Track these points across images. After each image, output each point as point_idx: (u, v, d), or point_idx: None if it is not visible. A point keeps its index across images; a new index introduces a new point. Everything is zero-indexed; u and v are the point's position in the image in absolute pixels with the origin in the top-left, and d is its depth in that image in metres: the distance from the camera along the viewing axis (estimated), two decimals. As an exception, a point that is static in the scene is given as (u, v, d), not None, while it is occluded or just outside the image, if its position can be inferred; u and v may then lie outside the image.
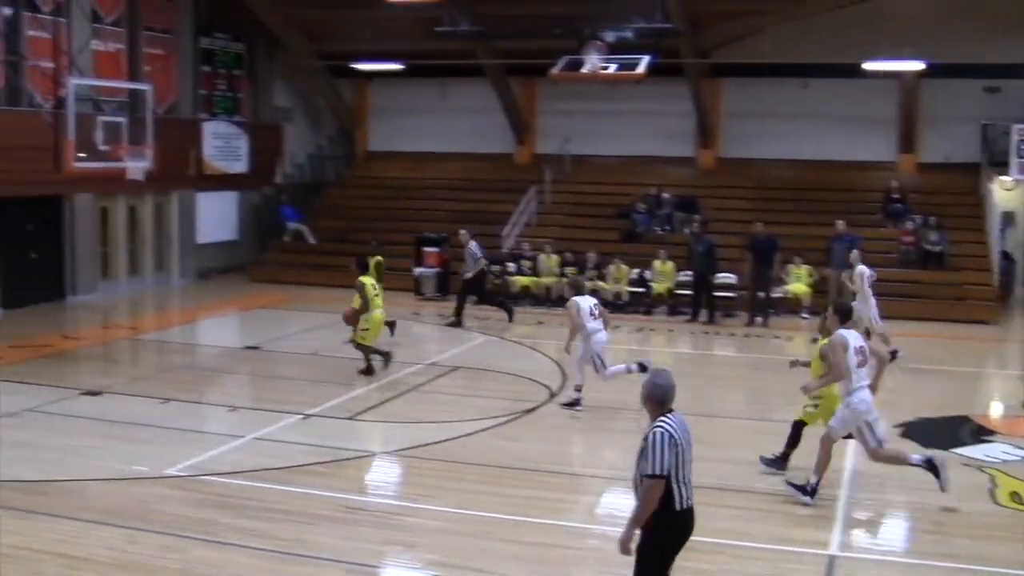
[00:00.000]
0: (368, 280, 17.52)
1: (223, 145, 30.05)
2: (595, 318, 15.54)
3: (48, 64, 22.85)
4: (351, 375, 17.16)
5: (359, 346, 17.49)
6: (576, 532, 10.68)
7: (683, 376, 18.14)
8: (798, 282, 24.58)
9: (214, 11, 30.13)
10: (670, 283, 24.82)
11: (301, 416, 14.97)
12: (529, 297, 26.00)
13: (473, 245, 23.40)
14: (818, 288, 24.47)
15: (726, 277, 24.98)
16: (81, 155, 20.55)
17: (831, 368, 11.65)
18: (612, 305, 24.71)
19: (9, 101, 23.41)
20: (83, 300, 25.20)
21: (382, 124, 34.68)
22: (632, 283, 25.24)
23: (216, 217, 30.40)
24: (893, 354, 17.21)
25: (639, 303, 25.08)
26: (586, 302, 15.73)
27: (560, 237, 27.71)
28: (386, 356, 17.66)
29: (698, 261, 23.92)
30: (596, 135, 31.56)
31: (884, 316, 19.84)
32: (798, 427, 12.50)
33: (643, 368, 15.25)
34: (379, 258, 20.97)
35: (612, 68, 24.76)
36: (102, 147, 21.07)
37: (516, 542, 10.34)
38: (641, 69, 24.54)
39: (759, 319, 23.42)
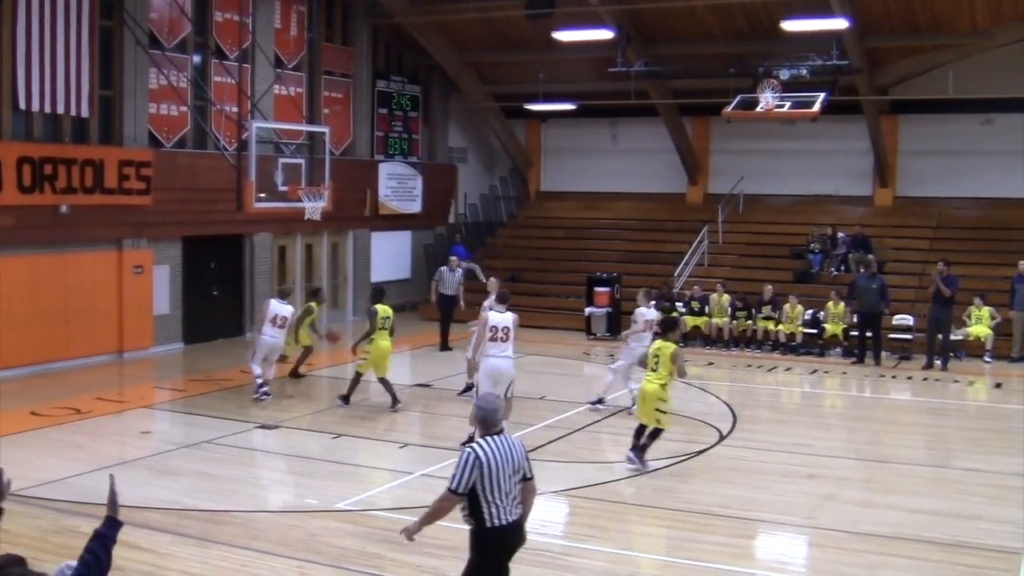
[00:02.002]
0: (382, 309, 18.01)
1: (397, 186, 30.62)
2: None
3: (232, 108, 23.66)
4: (520, 414, 17.13)
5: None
6: (745, 577, 10.44)
7: (857, 420, 17.87)
8: (979, 324, 23.70)
9: (391, 55, 30.87)
10: (844, 324, 24.18)
11: (470, 454, 15.02)
12: (700, 338, 25.70)
13: (460, 273, 24.80)
14: (1001, 330, 23.60)
15: (903, 319, 24.31)
16: (261, 195, 21.15)
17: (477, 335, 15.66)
18: (785, 347, 24.31)
19: (195, 144, 24.34)
20: (261, 336, 25.89)
21: (554, 164, 34.93)
22: (805, 324, 24.70)
23: (390, 256, 30.94)
24: None
25: (812, 345, 24.53)
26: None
27: (732, 277, 27.36)
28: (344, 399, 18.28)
29: (871, 300, 23.19)
30: (769, 174, 31.18)
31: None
32: None
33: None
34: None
35: (786, 106, 24.49)
36: (281, 188, 21.66)
37: (683, 586, 10.17)
38: (816, 107, 24.24)
39: (938, 363, 22.61)
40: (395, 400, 17.90)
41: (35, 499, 12.23)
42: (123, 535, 10.52)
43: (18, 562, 5.69)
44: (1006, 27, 25.47)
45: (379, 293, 18.58)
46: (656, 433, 13.98)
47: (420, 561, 10.49)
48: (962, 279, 23.45)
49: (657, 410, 13.83)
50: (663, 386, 13.81)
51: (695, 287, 26.54)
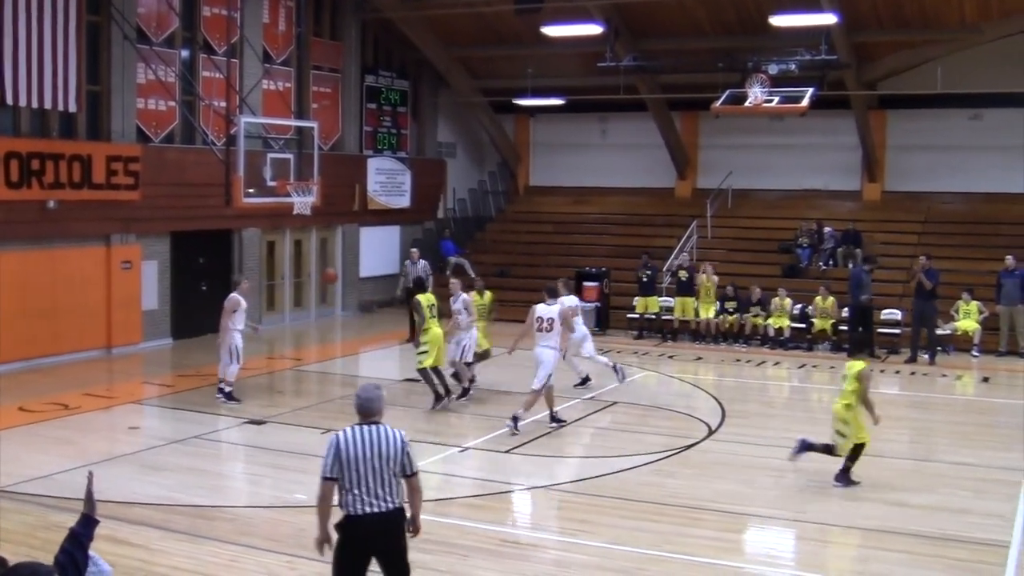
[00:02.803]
0: (425, 299, 17.65)
1: (386, 180, 30.59)
2: None
3: (220, 103, 23.63)
4: (510, 409, 17.14)
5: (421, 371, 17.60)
6: (731, 571, 10.43)
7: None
8: (967, 318, 23.74)
9: (380, 50, 30.85)
10: (832, 319, 24.22)
11: (459, 449, 15.05)
12: (688, 332, 25.71)
13: (423, 263, 25.15)
14: (988, 325, 23.65)
15: (891, 313, 24.35)
16: (250, 191, 21.15)
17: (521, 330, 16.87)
18: (774, 341, 24.34)
19: (184, 139, 24.29)
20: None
21: (543, 159, 34.93)
22: (794, 319, 24.74)
23: (378, 251, 30.91)
24: None
25: (801, 339, 24.56)
26: None
27: (721, 272, 27.29)
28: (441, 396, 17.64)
29: (868, 294, 23.29)
30: (758, 169, 31.22)
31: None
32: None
33: None
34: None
35: (775, 101, 24.52)
36: (270, 183, 21.66)
37: (671, 580, 10.17)
38: (804, 102, 24.27)
39: (926, 357, 22.60)
40: (448, 391, 17.76)
41: (23, 495, 12.22)
42: (112, 531, 10.58)
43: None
44: (994, 22, 25.52)
45: (420, 284, 18.55)
46: (855, 453, 13.18)
47: (410, 556, 10.47)
48: (950, 273, 23.53)
49: (837, 432, 13.23)
50: (847, 407, 13.11)
51: (683, 255, 26.68)
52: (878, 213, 29.71)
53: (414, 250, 26.12)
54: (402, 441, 7.77)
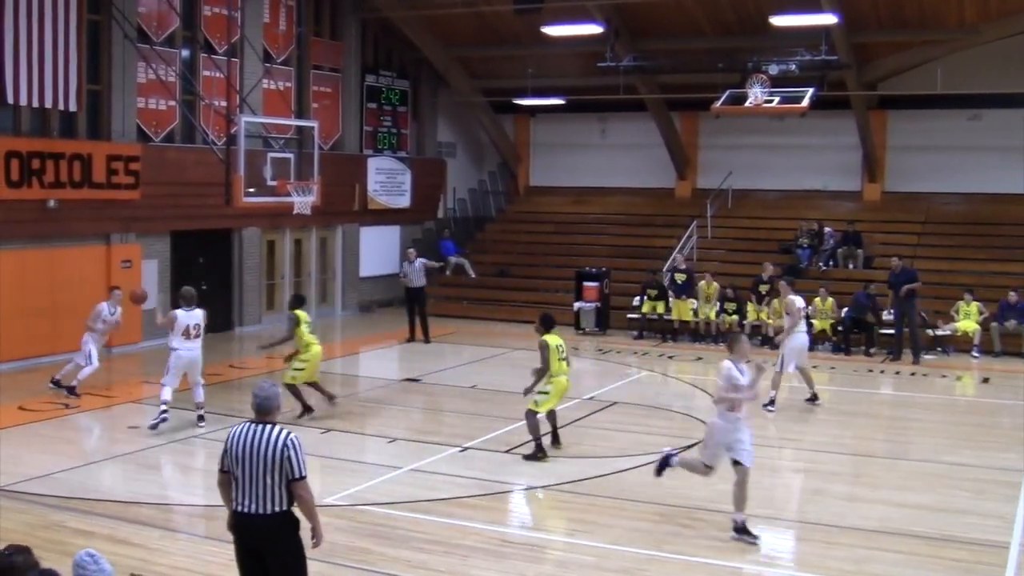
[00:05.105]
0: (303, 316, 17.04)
1: (386, 180, 30.59)
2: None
3: (220, 102, 23.64)
4: (507, 409, 17.13)
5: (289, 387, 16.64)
6: (730, 571, 10.44)
7: (845, 415, 17.92)
8: (967, 319, 23.71)
9: (380, 50, 30.84)
10: (832, 319, 24.19)
11: (459, 448, 15.04)
12: (688, 333, 25.71)
13: (419, 262, 25.05)
14: (987, 325, 23.64)
15: (890, 314, 24.33)
16: (250, 190, 21.17)
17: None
18: (774, 341, 24.30)
19: (184, 138, 24.29)
20: (249, 331, 25.85)
21: (543, 159, 34.94)
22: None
23: (378, 251, 30.90)
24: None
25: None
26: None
27: (721, 272, 27.35)
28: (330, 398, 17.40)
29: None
30: (758, 169, 31.23)
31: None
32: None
33: None
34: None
35: (775, 101, 24.52)
36: (270, 182, 21.67)
37: (671, 580, 10.16)
38: (804, 102, 24.27)
39: (909, 355, 22.55)
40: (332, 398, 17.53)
41: (23, 494, 12.20)
42: (112, 530, 10.60)
43: (23, 551, 5.74)
44: (993, 23, 25.53)
45: (299, 300, 17.59)
46: None
47: (409, 556, 10.51)
48: (949, 274, 23.51)
49: None
50: None
51: (677, 255, 26.65)
52: (878, 213, 29.71)
53: (411, 250, 26.10)
54: (284, 444, 7.52)
